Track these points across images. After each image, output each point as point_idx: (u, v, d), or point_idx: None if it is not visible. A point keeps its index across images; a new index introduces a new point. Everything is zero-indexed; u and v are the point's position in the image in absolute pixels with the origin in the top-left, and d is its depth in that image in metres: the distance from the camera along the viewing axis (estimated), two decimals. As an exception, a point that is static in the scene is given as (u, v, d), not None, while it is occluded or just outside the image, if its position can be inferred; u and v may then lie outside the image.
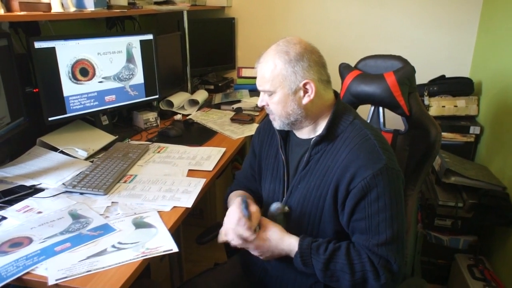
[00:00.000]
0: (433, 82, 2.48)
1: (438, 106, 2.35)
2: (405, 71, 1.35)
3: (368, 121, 1.52)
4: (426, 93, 2.39)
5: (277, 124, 1.12)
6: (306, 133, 1.13)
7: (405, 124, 1.42)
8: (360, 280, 0.97)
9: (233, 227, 1.04)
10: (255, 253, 1.08)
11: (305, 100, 1.04)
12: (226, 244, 1.51)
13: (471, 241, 2.03)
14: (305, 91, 1.04)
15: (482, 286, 1.79)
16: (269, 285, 1.20)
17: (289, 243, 1.04)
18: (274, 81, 1.04)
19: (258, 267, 1.22)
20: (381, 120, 1.53)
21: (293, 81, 1.03)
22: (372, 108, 1.54)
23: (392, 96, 1.35)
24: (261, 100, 1.12)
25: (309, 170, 1.08)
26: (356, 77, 1.44)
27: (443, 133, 2.32)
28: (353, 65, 1.52)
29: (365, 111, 1.50)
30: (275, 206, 1.12)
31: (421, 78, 2.47)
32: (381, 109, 1.52)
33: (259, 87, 1.09)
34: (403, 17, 2.64)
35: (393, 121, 1.57)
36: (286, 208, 1.11)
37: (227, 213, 1.09)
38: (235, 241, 1.05)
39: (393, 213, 0.98)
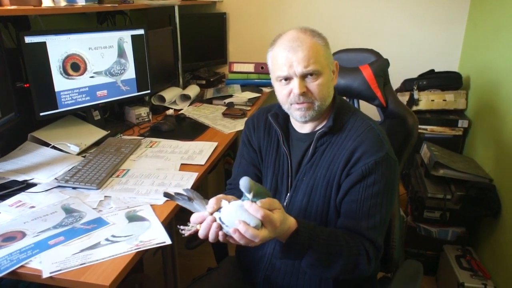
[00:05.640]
0: (422, 76, 2.51)
1: (427, 100, 2.39)
2: (380, 63, 1.40)
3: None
4: (415, 87, 2.42)
5: (309, 114, 1.05)
6: (309, 127, 1.12)
7: (380, 115, 1.45)
8: (352, 264, 0.97)
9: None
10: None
11: (334, 82, 1.09)
12: (215, 249, 1.52)
13: (459, 232, 2.07)
14: (334, 72, 1.09)
15: (469, 275, 1.84)
16: (276, 281, 1.14)
17: (290, 223, 0.91)
18: (321, 61, 1.03)
19: (263, 264, 1.16)
20: None
21: (331, 62, 1.07)
22: (348, 100, 1.56)
23: (369, 88, 1.39)
24: (300, 86, 1.02)
25: (314, 163, 1.09)
26: None
27: (432, 127, 2.37)
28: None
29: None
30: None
31: (411, 72, 2.52)
32: (355, 101, 1.55)
33: (304, 69, 1.00)
34: (393, 12, 2.67)
35: (367, 112, 1.58)
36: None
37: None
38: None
39: (384, 200, 1.01)
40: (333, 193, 1.06)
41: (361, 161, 1.01)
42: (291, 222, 0.92)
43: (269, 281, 1.16)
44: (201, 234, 0.89)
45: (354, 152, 1.02)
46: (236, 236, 0.83)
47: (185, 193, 0.97)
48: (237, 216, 0.83)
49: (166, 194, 1.02)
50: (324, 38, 1.06)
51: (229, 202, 0.88)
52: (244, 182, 0.84)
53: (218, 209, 0.88)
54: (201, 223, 0.89)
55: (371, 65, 1.39)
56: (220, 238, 0.87)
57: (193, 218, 0.91)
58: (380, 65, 1.39)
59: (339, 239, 0.97)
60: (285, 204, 1.13)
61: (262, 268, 1.16)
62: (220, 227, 0.86)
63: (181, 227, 0.93)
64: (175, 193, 0.99)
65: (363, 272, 0.98)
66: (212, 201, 0.89)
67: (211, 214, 0.88)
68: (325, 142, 1.08)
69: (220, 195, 0.91)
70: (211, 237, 0.87)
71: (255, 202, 0.84)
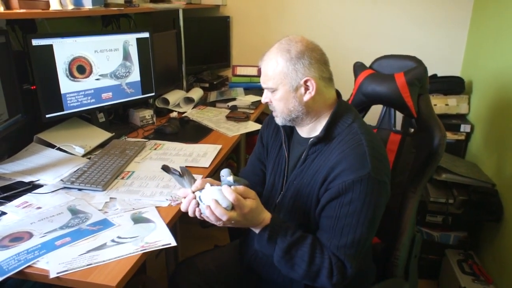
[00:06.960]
0: (425, 81, 2.52)
1: (429, 104, 2.39)
2: (416, 72, 1.32)
3: (379, 121, 1.51)
4: (418, 92, 2.42)
5: (279, 121, 1.15)
6: (306, 131, 1.15)
7: (414, 125, 1.40)
8: (314, 273, 1.00)
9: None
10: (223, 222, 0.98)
11: (306, 97, 1.06)
12: (230, 228, 1.54)
13: (461, 236, 2.08)
14: (306, 88, 1.06)
15: (471, 280, 1.84)
16: (257, 269, 1.24)
17: (264, 216, 1.02)
18: (276, 79, 1.07)
19: (251, 252, 1.24)
20: (392, 120, 1.50)
21: (294, 78, 1.05)
22: (384, 108, 1.51)
23: (400, 97, 1.32)
24: (264, 97, 1.14)
25: (304, 169, 1.11)
26: (367, 77, 1.43)
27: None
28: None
29: (378, 111, 1.50)
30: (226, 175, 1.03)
31: (413, 77, 2.52)
32: (392, 109, 1.49)
33: (262, 84, 1.12)
34: (395, 16, 2.68)
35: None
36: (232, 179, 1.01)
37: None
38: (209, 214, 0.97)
39: (360, 220, 0.98)
40: (313, 203, 1.07)
41: (340, 178, 0.99)
42: (267, 215, 1.02)
43: (251, 268, 1.26)
44: (182, 207, 1.02)
45: (334, 168, 1.01)
46: (207, 212, 0.96)
47: (178, 170, 1.07)
48: (212, 196, 0.96)
49: (164, 167, 1.09)
50: (294, 52, 1.04)
51: (211, 185, 1.00)
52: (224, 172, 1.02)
53: (202, 189, 1.00)
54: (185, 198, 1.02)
55: (406, 73, 1.32)
56: (197, 213, 1.00)
57: (179, 193, 1.04)
58: (416, 74, 1.31)
59: (306, 246, 1.00)
60: (277, 201, 1.18)
61: (249, 254, 1.26)
62: (198, 204, 0.99)
63: (169, 197, 1.10)
64: (172, 168, 1.08)
65: (324, 284, 1.00)
66: (198, 181, 1.02)
67: (193, 192, 1.01)
68: (317, 150, 1.10)
69: (208, 179, 1.03)
70: (190, 212, 1.00)
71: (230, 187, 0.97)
